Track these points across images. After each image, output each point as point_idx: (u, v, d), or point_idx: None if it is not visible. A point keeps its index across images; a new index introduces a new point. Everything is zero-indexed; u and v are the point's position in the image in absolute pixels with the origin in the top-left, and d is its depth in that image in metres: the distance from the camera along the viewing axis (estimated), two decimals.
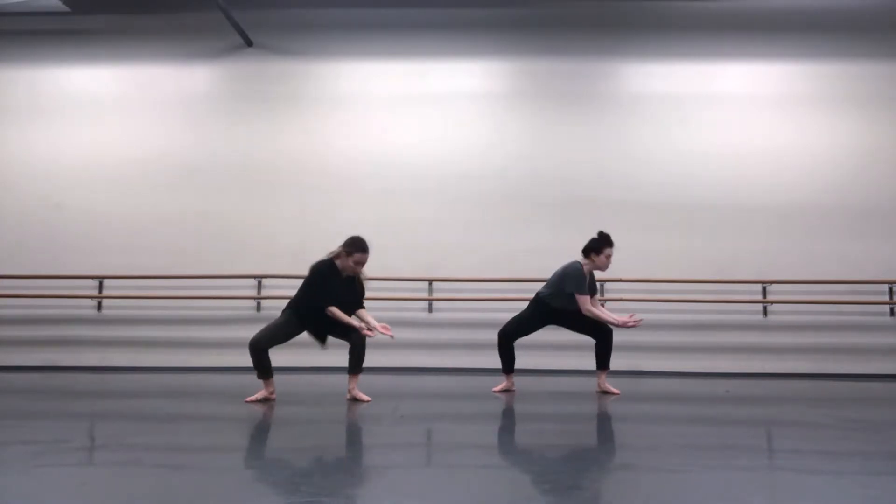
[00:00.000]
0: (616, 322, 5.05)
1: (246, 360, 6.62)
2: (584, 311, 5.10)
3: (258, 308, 7.36)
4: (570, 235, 6.04)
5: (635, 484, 2.62)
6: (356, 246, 4.65)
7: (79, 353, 7.33)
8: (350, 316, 4.73)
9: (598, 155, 7.59)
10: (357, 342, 4.70)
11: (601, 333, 5.28)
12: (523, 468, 2.93)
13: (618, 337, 5.38)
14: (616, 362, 5.39)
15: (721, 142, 7.56)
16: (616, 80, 7.83)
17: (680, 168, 7.52)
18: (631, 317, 5.02)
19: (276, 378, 4.77)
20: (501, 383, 5.36)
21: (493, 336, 5.44)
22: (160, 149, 7.71)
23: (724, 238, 7.38)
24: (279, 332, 4.69)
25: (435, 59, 7.80)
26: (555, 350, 6.85)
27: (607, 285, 7.19)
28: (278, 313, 4.89)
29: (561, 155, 7.61)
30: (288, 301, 4.86)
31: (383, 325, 4.66)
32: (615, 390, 5.21)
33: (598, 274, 5.35)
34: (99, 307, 7.49)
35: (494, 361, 5.45)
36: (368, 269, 4.86)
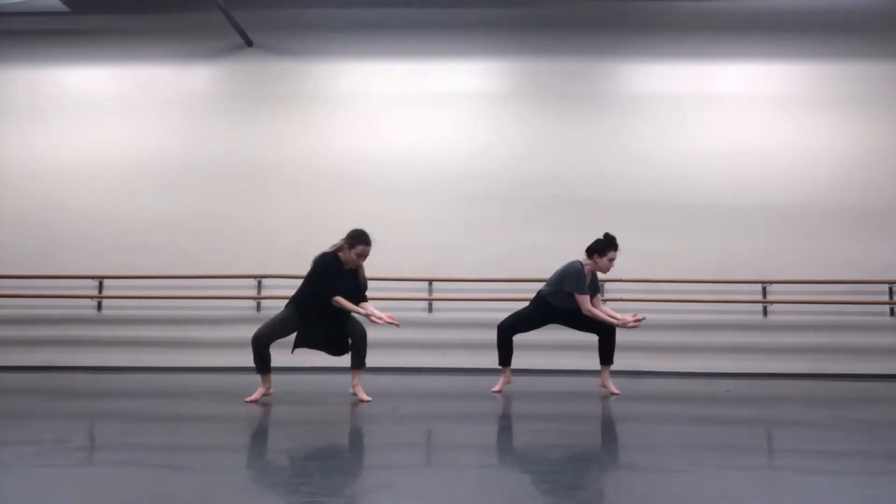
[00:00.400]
0: (617, 322, 5.05)
1: (245, 360, 6.60)
2: (584, 311, 5.10)
3: (258, 308, 7.36)
4: (570, 235, 6.04)
5: (635, 484, 2.62)
6: (358, 238, 4.65)
7: (78, 353, 7.33)
8: None
9: (598, 155, 7.59)
10: (359, 338, 4.71)
11: (604, 328, 5.26)
12: (523, 468, 2.93)
13: (618, 336, 5.38)
14: (616, 362, 5.39)
15: (721, 142, 7.56)
16: (616, 80, 7.83)
17: (680, 168, 7.52)
18: (633, 316, 5.01)
19: (277, 378, 4.77)
20: (499, 382, 5.35)
21: (492, 336, 5.43)
22: (160, 149, 7.71)
23: (724, 238, 7.38)
24: (281, 328, 4.69)
25: (435, 59, 7.80)
26: (555, 350, 6.86)
27: (607, 285, 7.19)
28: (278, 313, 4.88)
29: (561, 155, 7.61)
30: (292, 296, 4.83)
31: (389, 315, 4.64)
32: (616, 390, 5.21)
33: (598, 274, 5.35)
34: (99, 307, 7.49)
35: (494, 361, 5.45)
36: (369, 269, 4.85)
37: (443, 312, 7.40)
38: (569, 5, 7.83)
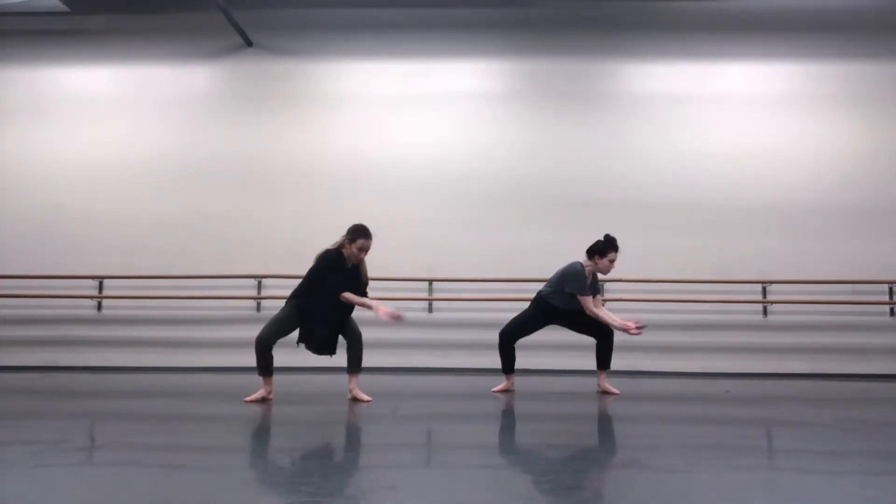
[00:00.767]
0: (618, 325, 5.04)
1: (245, 360, 6.59)
2: (588, 312, 5.10)
3: (258, 308, 7.36)
4: (570, 235, 6.05)
5: (635, 484, 2.62)
6: (359, 232, 4.66)
7: (78, 353, 7.33)
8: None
9: (598, 155, 7.59)
10: (355, 341, 4.71)
11: (602, 333, 5.28)
12: (523, 468, 2.93)
13: (617, 337, 5.38)
14: (616, 362, 5.39)
15: (721, 142, 7.56)
16: (616, 80, 7.83)
17: (680, 168, 7.52)
18: (635, 323, 4.99)
19: (277, 378, 4.77)
20: (501, 384, 5.35)
21: (493, 336, 5.44)
22: (160, 149, 7.71)
23: (724, 238, 7.38)
24: (282, 327, 4.67)
25: (435, 59, 7.80)
26: (555, 350, 6.85)
27: (608, 285, 7.19)
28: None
29: (561, 155, 7.61)
30: (292, 292, 4.81)
31: (394, 310, 4.63)
32: (615, 390, 5.21)
33: (598, 275, 5.35)
34: (99, 307, 7.49)
35: (494, 361, 5.45)
36: (369, 268, 4.85)
37: (443, 312, 7.40)
38: (569, 5, 7.83)
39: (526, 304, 5.51)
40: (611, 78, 7.83)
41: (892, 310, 7.27)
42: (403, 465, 2.91)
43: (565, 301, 5.19)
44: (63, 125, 7.79)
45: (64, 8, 7.86)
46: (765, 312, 7.33)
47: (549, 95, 7.74)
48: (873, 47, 7.65)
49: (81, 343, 7.37)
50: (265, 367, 4.65)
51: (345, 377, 4.88)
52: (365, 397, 4.68)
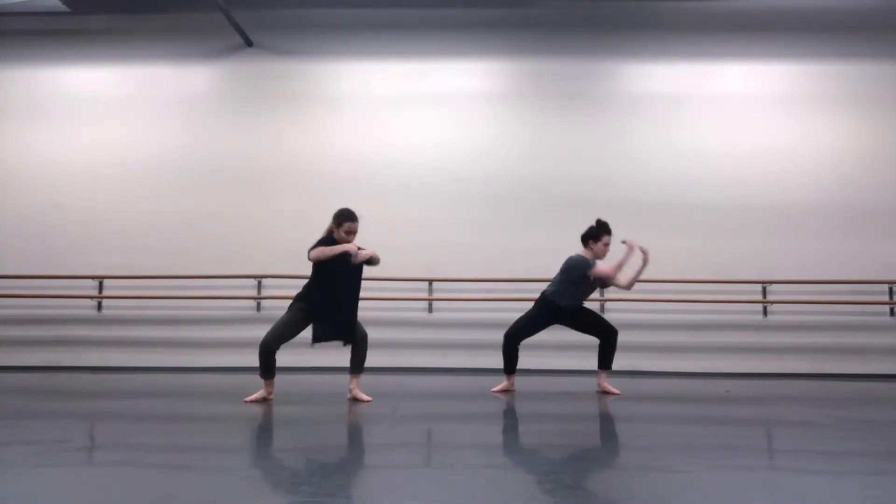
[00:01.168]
0: (642, 249, 5.07)
1: (246, 360, 6.59)
2: (611, 275, 5.07)
3: (258, 308, 7.36)
4: (570, 235, 6.01)
5: (635, 484, 2.62)
6: (344, 216, 4.67)
7: (79, 353, 7.33)
8: (353, 306, 4.70)
9: (598, 155, 7.59)
10: (360, 342, 4.71)
11: (606, 334, 5.27)
12: (523, 468, 2.93)
13: (618, 336, 5.37)
14: (616, 362, 5.39)
15: (721, 142, 7.56)
16: (616, 80, 7.83)
17: (680, 168, 7.52)
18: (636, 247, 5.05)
19: (278, 378, 4.76)
20: (501, 384, 5.35)
21: (493, 336, 5.45)
22: (160, 149, 7.71)
23: (724, 238, 7.38)
24: (288, 330, 4.66)
25: (435, 59, 7.80)
26: (555, 350, 6.85)
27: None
28: (278, 313, 4.88)
29: (561, 155, 7.61)
30: (296, 294, 4.80)
31: (366, 250, 4.57)
32: (615, 390, 5.21)
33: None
34: (99, 307, 7.49)
35: (494, 361, 5.45)
36: (369, 268, 4.85)
37: (443, 312, 7.40)
38: (569, 5, 7.83)
39: (526, 304, 5.51)
40: (611, 78, 7.83)
41: (892, 310, 7.27)
42: (403, 465, 2.91)
43: (572, 297, 5.20)
44: (63, 125, 7.79)
45: (64, 8, 7.86)
46: (765, 312, 7.33)
47: (549, 95, 7.74)
48: (873, 47, 7.65)
49: (81, 343, 7.37)
50: (267, 370, 4.64)
51: (345, 377, 4.88)
52: (365, 397, 4.68)
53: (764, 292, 7.31)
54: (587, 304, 5.45)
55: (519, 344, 5.34)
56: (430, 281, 7.37)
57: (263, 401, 4.63)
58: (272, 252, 7.36)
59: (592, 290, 5.37)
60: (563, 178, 7.52)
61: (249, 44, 7.83)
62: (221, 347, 7.22)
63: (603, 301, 7.19)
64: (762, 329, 7.30)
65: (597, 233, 5.17)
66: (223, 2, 7.01)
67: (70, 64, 7.93)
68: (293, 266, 6.87)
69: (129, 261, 7.42)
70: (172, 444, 3.36)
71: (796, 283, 7.26)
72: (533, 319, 5.33)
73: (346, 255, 4.58)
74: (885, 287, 7.28)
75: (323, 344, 4.69)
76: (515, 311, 7.06)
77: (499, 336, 5.32)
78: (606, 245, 5.18)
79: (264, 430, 3.85)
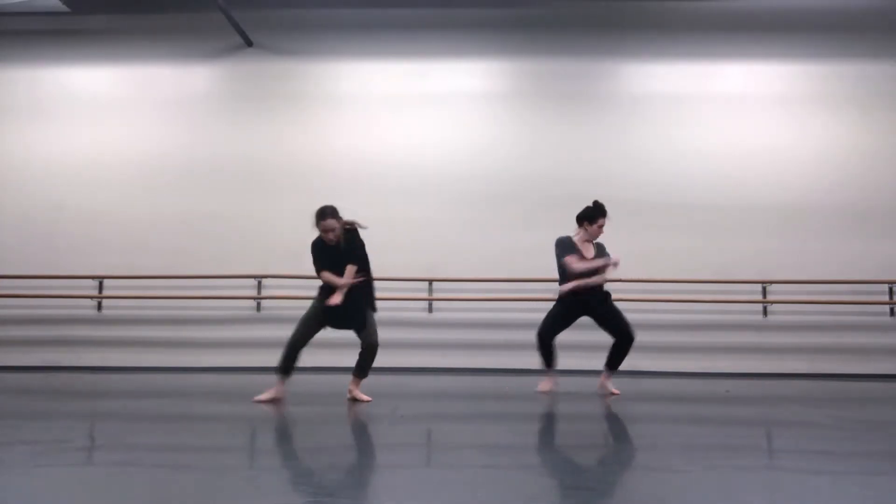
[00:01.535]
0: (600, 264, 5.06)
1: (246, 360, 6.61)
2: (571, 272, 5.07)
3: (258, 308, 7.36)
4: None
5: (635, 484, 2.62)
6: (318, 216, 4.67)
7: (79, 353, 7.33)
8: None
9: (598, 155, 7.59)
10: (369, 347, 4.70)
11: (622, 336, 5.22)
12: (523, 468, 2.93)
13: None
14: None
15: (720, 142, 7.56)
16: (616, 80, 7.83)
17: (680, 168, 7.53)
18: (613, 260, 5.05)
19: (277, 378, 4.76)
20: (545, 382, 5.33)
21: (493, 336, 5.46)
22: (160, 149, 7.71)
23: (724, 238, 7.38)
24: (307, 327, 4.65)
25: (435, 59, 7.81)
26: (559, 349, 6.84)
27: (607, 285, 7.17)
28: (278, 313, 4.89)
29: (561, 155, 7.61)
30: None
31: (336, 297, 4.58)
32: (615, 390, 5.21)
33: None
34: (99, 307, 7.49)
35: (494, 361, 5.47)
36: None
37: (443, 312, 7.40)
38: (569, 5, 7.83)
39: (526, 304, 5.53)
40: (611, 78, 7.83)
41: (892, 310, 7.27)
42: (403, 465, 2.91)
43: (564, 279, 5.18)
44: (63, 125, 7.79)
45: (64, 8, 7.86)
46: (765, 312, 7.33)
47: (549, 95, 7.74)
48: (873, 47, 7.65)
49: (81, 343, 7.37)
50: (286, 368, 4.61)
51: (344, 377, 4.87)
52: (364, 397, 4.68)
53: (764, 292, 7.31)
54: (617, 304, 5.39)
55: (552, 339, 5.30)
56: (430, 281, 7.37)
57: (273, 401, 4.58)
58: (272, 252, 7.36)
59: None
60: (563, 178, 7.52)
61: (249, 44, 7.83)
62: (221, 347, 7.22)
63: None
64: (762, 329, 7.30)
65: (593, 214, 5.17)
66: (223, 2, 7.01)
67: (70, 64, 7.93)
68: (293, 266, 6.88)
69: (129, 261, 7.42)
70: (172, 444, 3.36)
71: (796, 283, 7.26)
72: (558, 315, 5.29)
73: (328, 252, 4.60)
74: (885, 287, 7.28)
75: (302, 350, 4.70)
76: (515, 311, 7.09)
77: (499, 336, 5.35)
78: (601, 227, 5.19)
79: (264, 431, 3.85)
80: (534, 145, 7.65)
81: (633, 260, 6.89)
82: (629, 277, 7.06)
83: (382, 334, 4.83)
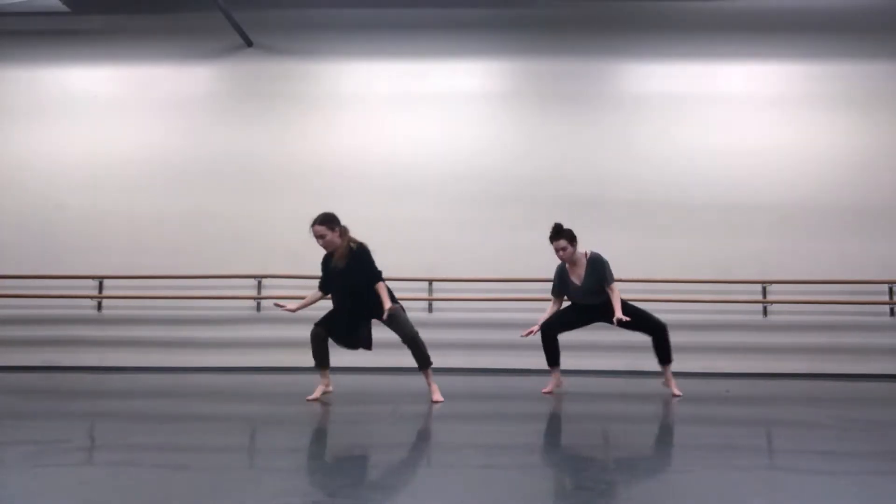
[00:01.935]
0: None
1: (246, 360, 6.60)
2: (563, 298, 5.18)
3: (258, 308, 7.35)
4: None
5: (635, 484, 2.62)
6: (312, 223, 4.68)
7: (79, 353, 7.33)
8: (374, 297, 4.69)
9: (598, 155, 7.59)
10: (408, 341, 4.72)
11: (654, 329, 5.24)
12: (523, 468, 2.93)
13: (617, 336, 5.38)
14: (616, 362, 5.41)
15: (721, 141, 7.56)
16: (616, 80, 7.83)
17: (680, 168, 7.52)
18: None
19: (279, 378, 4.78)
20: (549, 383, 5.33)
21: (493, 336, 5.44)
22: (160, 149, 7.71)
23: (724, 238, 7.38)
24: (329, 317, 4.71)
25: (435, 59, 7.80)
26: (560, 350, 6.83)
27: None
28: (278, 313, 4.89)
29: (561, 155, 7.61)
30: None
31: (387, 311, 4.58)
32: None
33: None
34: (99, 307, 7.49)
35: (494, 361, 5.46)
36: None
37: (443, 312, 7.40)
38: (569, 5, 7.83)
39: (526, 305, 5.53)
40: (611, 78, 7.82)
41: (892, 310, 7.27)
42: (403, 465, 2.91)
43: (576, 296, 5.21)
44: (63, 125, 7.79)
45: (64, 8, 7.86)
46: (765, 312, 7.33)
47: (548, 95, 7.74)
48: (873, 47, 7.64)
49: (81, 343, 7.37)
50: (321, 358, 4.64)
51: (347, 377, 4.89)
52: (439, 397, 4.68)
53: (764, 292, 7.31)
54: (636, 303, 5.38)
55: (555, 334, 5.31)
56: (430, 281, 7.37)
57: (324, 395, 4.63)
58: (272, 252, 7.36)
59: (578, 297, 5.30)
60: (563, 178, 7.52)
61: (249, 44, 7.83)
62: (221, 347, 7.21)
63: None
64: (762, 329, 7.29)
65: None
66: (223, 2, 7.01)
67: (70, 64, 7.93)
68: (293, 266, 6.88)
69: (129, 260, 7.42)
70: (172, 444, 3.36)
71: (796, 283, 7.26)
72: (562, 312, 5.32)
73: (328, 267, 4.67)
74: (885, 287, 7.27)
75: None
76: (515, 311, 7.09)
77: (499, 336, 5.34)
78: (556, 251, 5.17)
79: (264, 430, 3.85)
80: (534, 145, 7.64)
81: (633, 259, 6.91)
82: (629, 277, 7.07)
83: (383, 334, 4.83)
